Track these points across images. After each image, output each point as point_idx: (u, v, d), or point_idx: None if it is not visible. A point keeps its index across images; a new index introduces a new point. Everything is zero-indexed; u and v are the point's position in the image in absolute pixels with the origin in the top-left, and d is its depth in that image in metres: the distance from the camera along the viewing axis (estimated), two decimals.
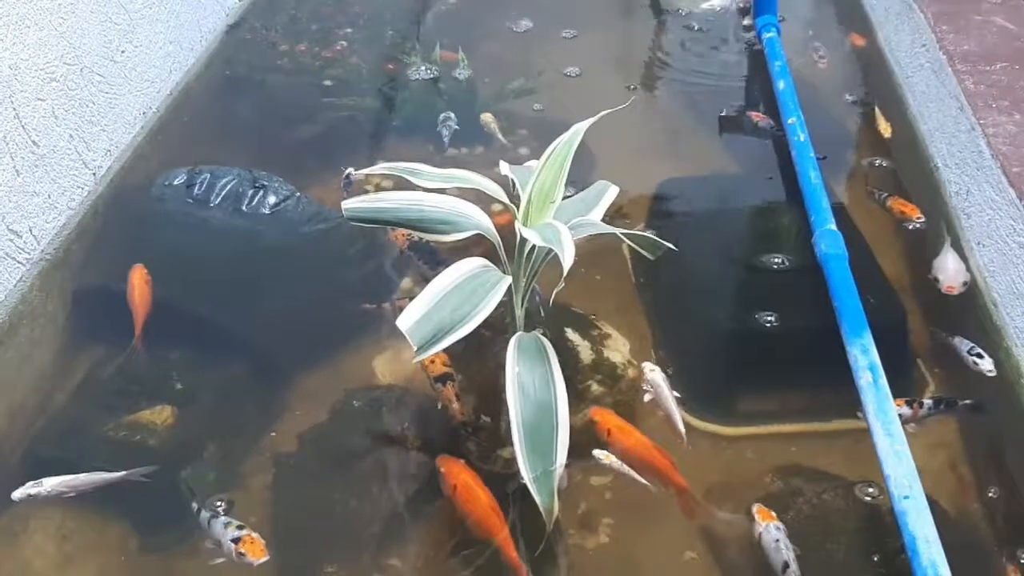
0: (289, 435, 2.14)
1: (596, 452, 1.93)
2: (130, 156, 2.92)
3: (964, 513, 1.98)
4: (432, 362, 2.13)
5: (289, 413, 2.21)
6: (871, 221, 2.66)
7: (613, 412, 2.05)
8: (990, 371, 2.10)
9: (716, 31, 3.77)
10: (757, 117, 3.22)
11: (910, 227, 2.61)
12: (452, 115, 3.12)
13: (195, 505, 1.95)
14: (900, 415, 1.96)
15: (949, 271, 2.36)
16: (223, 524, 1.85)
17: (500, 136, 3.07)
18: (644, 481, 1.92)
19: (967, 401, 2.10)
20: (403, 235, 2.50)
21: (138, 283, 2.32)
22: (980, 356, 2.12)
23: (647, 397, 2.11)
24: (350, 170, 2.67)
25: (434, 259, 2.44)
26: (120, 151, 2.88)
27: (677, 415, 2.05)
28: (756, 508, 1.86)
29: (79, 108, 2.66)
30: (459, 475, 1.93)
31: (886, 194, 2.74)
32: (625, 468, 1.91)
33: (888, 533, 1.84)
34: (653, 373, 2.12)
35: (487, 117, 3.13)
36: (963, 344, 2.18)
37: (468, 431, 2.08)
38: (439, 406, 2.11)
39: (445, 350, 2.00)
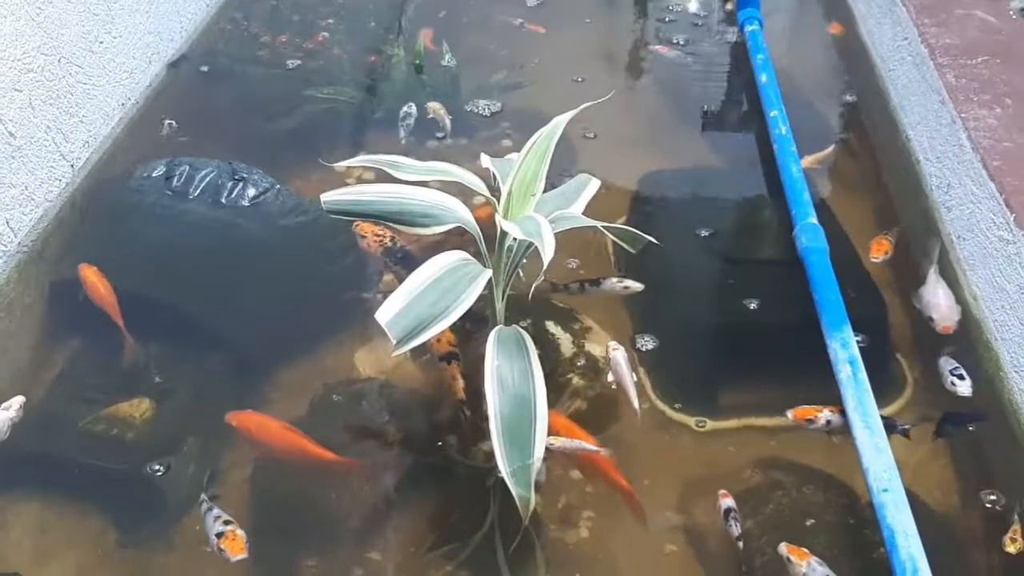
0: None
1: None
2: (109, 147, 2.89)
3: (943, 506, 1.98)
4: (439, 340, 2.14)
5: (268, 407, 2.20)
6: (852, 215, 2.67)
7: (562, 415, 2.05)
8: (965, 394, 2.08)
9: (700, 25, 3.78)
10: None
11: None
12: (413, 111, 3.12)
13: (202, 495, 1.95)
14: (829, 420, 1.99)
15: (943, 309, 2.26)
16: (213, 518, 1.86)
17: (447, 124, 3.08)
18: (597, 449, 1.93)
19: (905, 427, 2.01)
20: (376, 242, 2.48)
21: (96, 280, 2.30)
22: (961, 377, 2.10)
23: (610, 377, 2.11)
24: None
25: (412, 263, 2.42)
26: (99, 142, 2.86)
27: (632, 392, 2.06)
28: (785, 548, 1.80)
29: (57, 99, 2.63)
30: (249, 419, 2.07)
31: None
32: (575, 443, 1.91)
33: (868, 526, 1.84)
34: (616, 352, 2.12)
35: (434, 105, 3.14)
36: (948, 364, 2.15)
37: (466, 412, 2.08)
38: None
39: (452, 330, 2.03)
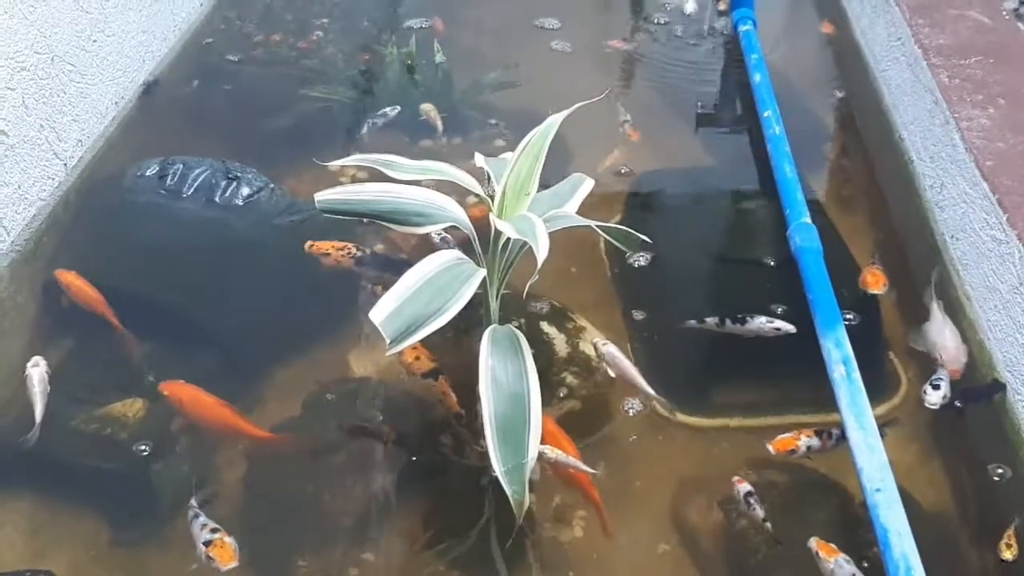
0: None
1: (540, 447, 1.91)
2: (102, 146, 2.89)
3: (937, 506, 1.99)
4: (417, 359, 2.13)
5: (262, 406, 2.20)
6: (845, 214, 2.67)
7: (551, 418, 2.02)
8: (933, 404, 2.04)
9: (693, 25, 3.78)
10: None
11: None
12: (389, 113, 3.11)
13: (193, 501, 1.93)
14: (809, 447, 1.97)
15: (951, 351, 2.18)
16: (200, 525, 1.84)
17: (439, 126, 3.07)
18: (588, 469, 1.92)
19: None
20: (342, 255, 2.43)
21: (79, 283, 2.30)
22: (936, 387, 2.07)
23: (611, 372, 2.11)
24: None
25: (392, 264, 2.41)
26: (92, 141, 2.86)
27: (641, 380, 2.07)
28: (815, 543, 1.78)
29: (50, 98, 2.62)
30: (181, 391, 2.10)
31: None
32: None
33: (861, 525, 1.84)
34: (607, 347, 2.12)
35: (427, 107, 3.12)
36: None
37: (462, 422, 2.08)
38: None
39: (425, 346, 2.04)
